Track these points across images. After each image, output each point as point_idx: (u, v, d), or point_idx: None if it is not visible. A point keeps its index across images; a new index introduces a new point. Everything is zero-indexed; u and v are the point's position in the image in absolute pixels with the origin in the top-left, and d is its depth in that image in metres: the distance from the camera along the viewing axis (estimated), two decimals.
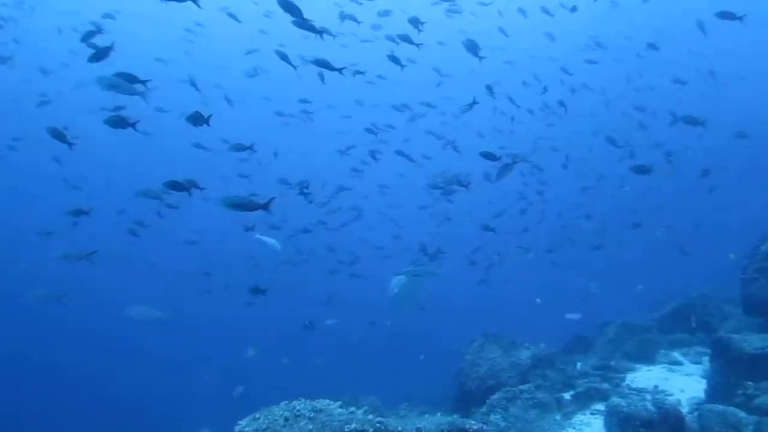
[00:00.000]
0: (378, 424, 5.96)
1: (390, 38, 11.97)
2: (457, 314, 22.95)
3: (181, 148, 17.24)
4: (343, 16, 10.59)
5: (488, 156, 8.83)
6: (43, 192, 27.00)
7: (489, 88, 12.37)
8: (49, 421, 18.09)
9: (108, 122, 6.85)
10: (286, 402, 6.54)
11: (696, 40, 17.51)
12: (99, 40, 8.76)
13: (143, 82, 7.25)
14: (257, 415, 6.30)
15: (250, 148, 9.24)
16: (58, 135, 7.16)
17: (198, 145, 14.21)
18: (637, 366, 10.46)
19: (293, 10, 7.80)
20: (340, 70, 8.45)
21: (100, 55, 7.10)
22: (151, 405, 18.86)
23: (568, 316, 15.29)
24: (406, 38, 10.80)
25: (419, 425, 6.31)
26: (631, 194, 23.39)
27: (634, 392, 9.01)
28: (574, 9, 11.56)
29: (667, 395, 8.69)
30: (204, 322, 23.00)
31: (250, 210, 6.18)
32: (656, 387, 9.14)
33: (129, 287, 25.64)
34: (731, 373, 7.47)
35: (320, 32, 8.21)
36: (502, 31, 18.49)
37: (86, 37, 8.73)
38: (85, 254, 8.57)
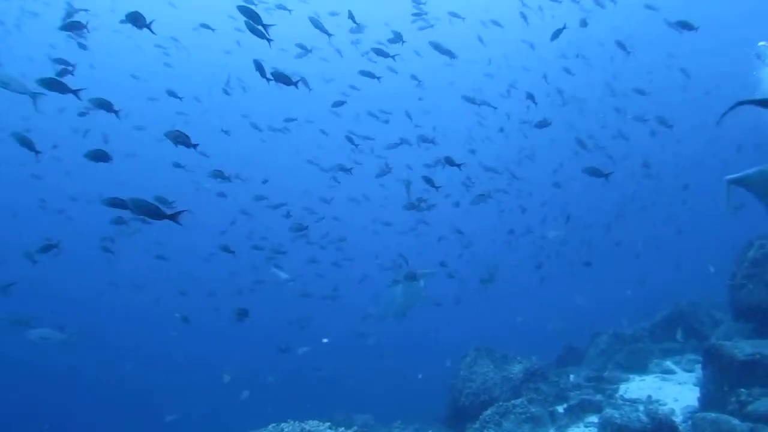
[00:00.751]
0: None
1: (366, 53, 12.03)
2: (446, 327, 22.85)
3: (163, 165, 16.88)
4: (316, 24, 10.51)
5: (452, 162, 8.83)
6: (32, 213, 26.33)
7: (470, 99, 12.34)
8: None
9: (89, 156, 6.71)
10: (275, 424, 6.42)
11: (672, 43, 17.67)
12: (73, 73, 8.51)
13: (116, 111, 7.15)
14: None
15: (228, 178, 9.23)
16: (25, 142, 6.93)
17: (177, 165, 13.93)
18: (630, 376, 10.42)
19: (252, 16, 7.75)
20: (295, 84, 8.27)
21: (52, 84, 6.78)
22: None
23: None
24: (381, 52, 10.81)
25: None
26: (613, 202, 23.50)
27: (627, 403, 8.93)
28: (556, 34, 11.53)
29: (660, 405, 8.65)
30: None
31: (156, 218, 5.53)
32: (649, 397, 9.10)
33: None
34: (723, 380, 7.42)
35: (270, 40, 8.12)
36: (480, 40, 18.57)
37: (59, 75, 8.47)
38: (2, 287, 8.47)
